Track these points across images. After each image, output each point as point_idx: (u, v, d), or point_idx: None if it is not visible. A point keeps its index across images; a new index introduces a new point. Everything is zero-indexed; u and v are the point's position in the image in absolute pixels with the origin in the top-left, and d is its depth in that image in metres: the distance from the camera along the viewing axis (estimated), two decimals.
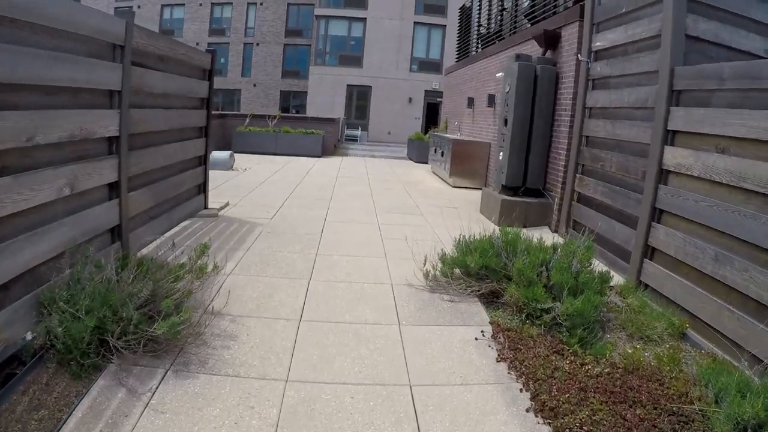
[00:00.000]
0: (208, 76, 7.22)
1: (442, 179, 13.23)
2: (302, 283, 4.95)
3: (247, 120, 17.70)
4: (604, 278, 4.76)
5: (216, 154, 12.58)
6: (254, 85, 40.87)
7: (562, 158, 8.03)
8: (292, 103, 40.13)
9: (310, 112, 30.93)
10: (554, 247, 5.01)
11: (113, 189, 4.72)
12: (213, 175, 11.59)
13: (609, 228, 6.23)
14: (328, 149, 18.28)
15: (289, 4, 40.22)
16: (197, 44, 41.06)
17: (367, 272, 5.38)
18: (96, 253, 3.92)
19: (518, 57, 8.46)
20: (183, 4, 41.73)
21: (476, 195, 10.80)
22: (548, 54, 8.74)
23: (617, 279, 5.33)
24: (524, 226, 8.23)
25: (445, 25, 31.56)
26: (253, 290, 4.69)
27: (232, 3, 41.26)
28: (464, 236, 5.36)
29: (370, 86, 31.80)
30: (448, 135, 13.44)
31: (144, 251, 5.19)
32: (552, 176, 8.44)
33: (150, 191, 5.56)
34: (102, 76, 4.24)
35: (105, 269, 3.69)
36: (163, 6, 42.17)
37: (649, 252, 5.21)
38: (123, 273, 3.71)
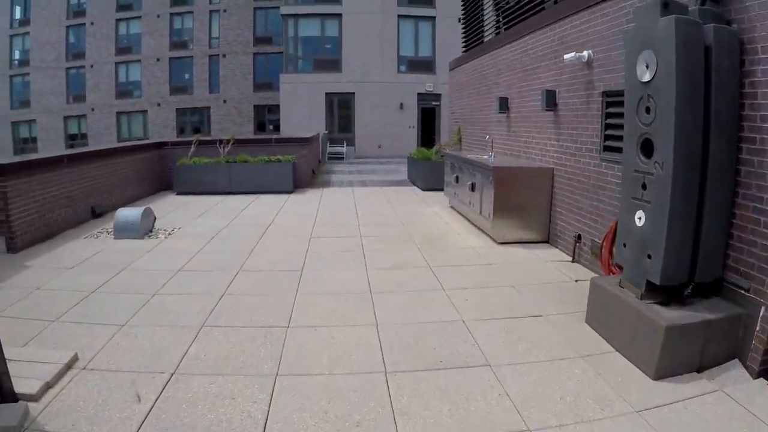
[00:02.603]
0: None
1: (475, 226, 8.62)
2: None
3: (192, 149, 13.05)
4: None
5: (122, 215, 7.98)
6: (224, 102, 36.89)
7: None
8: (268, 118, 36.26)
9: (285, 128, 26.47)
10: None
11: None
12: (109, 252, 6.90)
13: None
14: (302, 180, 13.65)
15: (255, 9, 36.09)
16: (158, 60, 37.01)
17: None
18: None
19: (666, 6, 3.88)
20: (139, 17, 37.66)
21: (544, 261, 6.45)
22: (707, 4, 4.20)
23: None
24: (698, 370, 3.80)
25: (434, 17, 27.19)
26: None
27: (192, 12, 37.10)
28: None
29: (353, 93, 27.31)
30: (476, 158, 8.84)
31: None
32: (746, 254, 3.93)
33: None
34: None
35: None
36: (117, 21, 38.12)
37: None
38: None
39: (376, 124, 27.08)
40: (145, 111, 37.77)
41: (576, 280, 5.87)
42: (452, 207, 10.47)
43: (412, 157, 15.05)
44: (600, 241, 5.89)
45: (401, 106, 27.29)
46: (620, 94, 5.45)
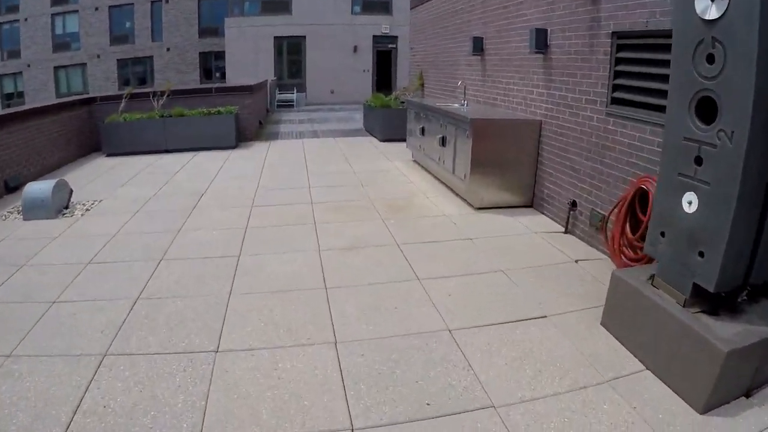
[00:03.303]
0: None
1: (446, 186, 7.54)
2: None
3: (122, 103, 11.43)
4: None
5: (30, 192, 6.59)
6: (167, 50, 34.11)
7: None
8: (215, 65, 33.85)
9: (231, 75, 24.66)
10: None
11: None
12: (13, 240, 5.59)
13: None
14: (247, 132, 12.25)
15: None
16: (96, 9, 33.91)
17: None
18: None
19: None
20: None
21: (532, 233, 5.49)
22: None
23: None
24: (747, 394, 2.88)
25: None
26: None
27: None
28: None
29: (304, 36, 25.48)
30: (448, 107, 7.62)
31: None
32: None
33: None
34: None
35: None
36: None
37: None
38: None
39: (328, 69, 25.43)
40: (85, 64, 34.70)
41: (576, 261, 4.88)
42: (416, 161, 9.35)
43: (368, 104, 13.72)
44: (605, 214, 4.89)
45: (355, 49, 25.65)
46: (639, 35, 4.37)
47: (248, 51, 25.24)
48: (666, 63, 4.10)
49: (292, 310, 3.88)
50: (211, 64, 34.13)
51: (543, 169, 6.20)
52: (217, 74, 33.33)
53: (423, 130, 8.39)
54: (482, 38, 7.83)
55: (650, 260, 4.10)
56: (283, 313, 3.84)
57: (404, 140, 9.99)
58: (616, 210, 4.55)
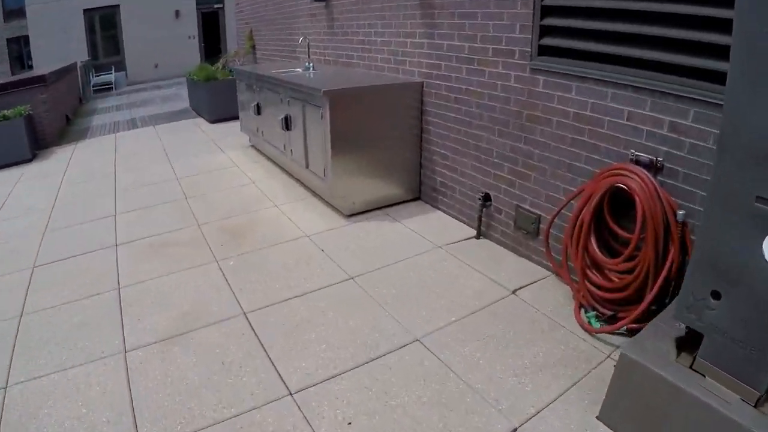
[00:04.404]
0: None
1: (299, 183, 5.67)
2: None
3: None
4: None
5: None
6: None
7: None
8: (26, 51, 28.59)
9: (39, 60, 20.92)
10: None
11: None
12: None
13: None
14: (48, 136, 9.34)
15: None
16: None
17: None
18: None
19: None
20: None
21: (435, 246, 3.78)
22: None
23: None
24: None
25: None
26: None
27: None
28: None
29: (118, 5, 21.93)
30: (288, 75, 5.60)
31: None
32: None
33: None
34: None
35: None
36: None
37: None
38: None
39: (149, 41, 22.09)
40: None
41: (514, 291, 3.28)
42: (255, 147, 7.36)
43: (191, 77, 11.25)
44: (542, 214, 3.33)
45: (177, 14, 22.49)
46: None
47: (55, 30, 21.43)
48: None
49: None
50: (23, 51, 29.02)
51: (430, 148, 4.53)
52: (30, 62, 28.45)
53: (258, 108, 6.40)
54: None
55: (637, 293, 2.58)
56: None
57: (238, 119, 7.91)
58: (568, 214, 2.97)
